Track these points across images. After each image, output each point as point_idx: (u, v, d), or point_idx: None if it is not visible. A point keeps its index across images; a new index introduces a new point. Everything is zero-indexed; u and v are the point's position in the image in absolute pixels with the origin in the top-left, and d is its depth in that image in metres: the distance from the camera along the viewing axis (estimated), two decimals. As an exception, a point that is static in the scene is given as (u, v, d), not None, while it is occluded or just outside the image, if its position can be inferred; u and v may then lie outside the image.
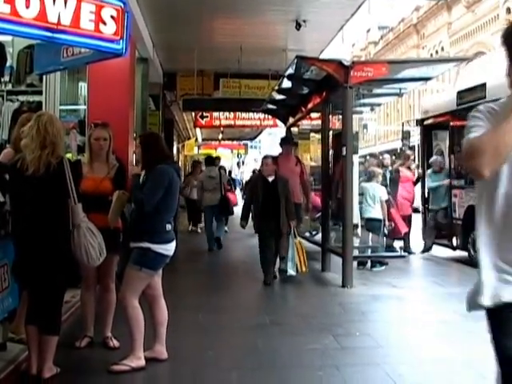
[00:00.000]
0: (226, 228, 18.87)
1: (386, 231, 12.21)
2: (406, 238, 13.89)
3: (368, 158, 17.42)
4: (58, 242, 5.42)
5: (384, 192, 12.05)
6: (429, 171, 14.56)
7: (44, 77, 9.88)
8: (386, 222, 12.10)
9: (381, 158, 14.69)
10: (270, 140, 67.82)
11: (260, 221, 10.70)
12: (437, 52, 59.51)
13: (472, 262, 12.35)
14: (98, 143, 6.52)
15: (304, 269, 10.51)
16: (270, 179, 10.62)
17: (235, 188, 20.76)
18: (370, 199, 11.99)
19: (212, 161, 17.18)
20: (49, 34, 6.10)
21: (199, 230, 18.71)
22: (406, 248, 13.78)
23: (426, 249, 14.24)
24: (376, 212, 11.94)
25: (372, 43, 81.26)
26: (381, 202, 11.93)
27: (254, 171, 21.46)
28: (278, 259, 10.83)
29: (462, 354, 6.40)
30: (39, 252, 5.34)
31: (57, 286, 5.52)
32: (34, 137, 5.37)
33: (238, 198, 20.60)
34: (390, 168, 14.04)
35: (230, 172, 24.91)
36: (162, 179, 5.90)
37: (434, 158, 14.66)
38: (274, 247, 10.58)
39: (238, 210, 20.54)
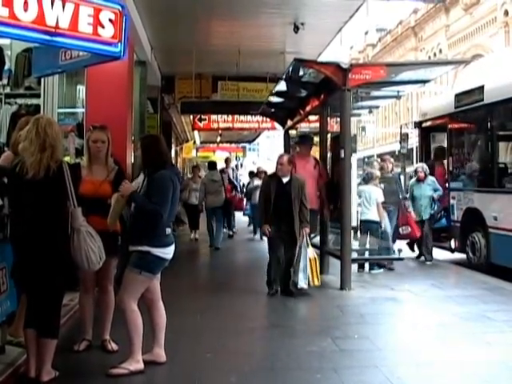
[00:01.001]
0: (234, 229, 19.74)
1: (386, 233, 12.05)
2: (419, 241, 13.74)
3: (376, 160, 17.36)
4: (56, 246, 5.42)
5: (380, 194, 12.04)
6: (412, 181, 13.99)
7: (42, 80, 9.88)
8: (383, 225, 12.09)
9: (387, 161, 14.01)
10: (269, 143, 67.82)
11: (270, 225, 9.72)
12: (435, 54, 59.49)
13: (470, 265, 12.39)
14: (95, 146, 6.51)
15: (316, 282, 9.71)
16: (285, 180, 9.71)
17: (240, 192, 19.87)
18: (366, 201, 11.99)
19: (214, 165, 17.74)
20: (47, 37, 6.10)
21: (197, 236, 18.13)
22: (425, 252, 13.42)
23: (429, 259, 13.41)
24: (372, 214, 11.94)
25: (370, 45, 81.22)
26: (377, 204, 11.93)
27: (251, 173, 21.34)
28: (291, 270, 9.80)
29: (460, 356, 6.40)
30: (38, 255, 5.34)
31: (55, 290, 5.53)
32: (33, 140, 5.37)
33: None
34: (390, 173, 13.68)
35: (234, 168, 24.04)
36: (167, 185, 5.88)
37: (418, 164, 14.27)
38: (284, 256, 9.75)
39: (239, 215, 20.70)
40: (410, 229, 12.68)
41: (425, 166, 13.72)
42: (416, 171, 13.69)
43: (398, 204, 12.76)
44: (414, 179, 13.81)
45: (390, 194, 12.28)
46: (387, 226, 12.14)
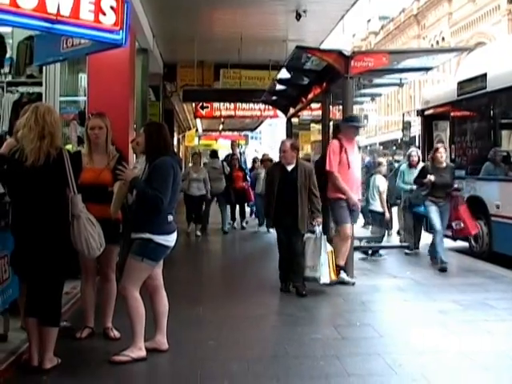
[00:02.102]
0: (246, 221, 18.63)
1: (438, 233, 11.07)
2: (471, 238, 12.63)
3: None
4: (57, 233, 5.42)
5: (383, 183, 12.01)
6: (403, 166, 13.39)
7: (44, 68, 9.88)
8: (387, 215, 12.06)
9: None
10: (271, 131, 67.83)
11: (274, 216, 9.14)
12: (437, 42, 59.35)
13: (473, 253, 12.38)
14: (93, 132, 6.48)
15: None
16: (290, 168, 9.06)
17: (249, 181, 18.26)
18: (371, 191, 11.99)
19: (216, 154, 18.24)
20: (48, 24, 6.09)
21: (198, 232, 16.10)
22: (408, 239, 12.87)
23: (411, 248, 12.65)
24: (377, 205, 11.94)
25: (372, 33, 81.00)
26: (379, 193, 11.90)
27: (254, 160, 20.85)
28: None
29: (462, 344, 6.40)
30: (38, 243, 5.35)
31: (56, 277, 5.54)
32: (32, 127, 5.36)
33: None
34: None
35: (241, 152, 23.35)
36: (168, 171, 5.86)
37: (412, 149, 13.95)
38: (289, 249, 9.03)
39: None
40: (462, 224, 11.47)
41: (419, 152, 13.49)
42: (410, 156, 13.16)
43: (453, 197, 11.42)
44: (405, 164, 13.36)
45: (443, 187, 11.13)
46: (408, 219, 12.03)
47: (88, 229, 5.58)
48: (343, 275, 9.44)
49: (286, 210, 8.94)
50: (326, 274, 8.83)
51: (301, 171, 8.99)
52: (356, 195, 9.73)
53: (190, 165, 18.22)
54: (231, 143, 21.22)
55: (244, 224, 18.18)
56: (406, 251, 12.51)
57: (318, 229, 8.96)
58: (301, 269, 8.89)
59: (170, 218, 5.98)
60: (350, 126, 9.76)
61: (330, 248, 9.06)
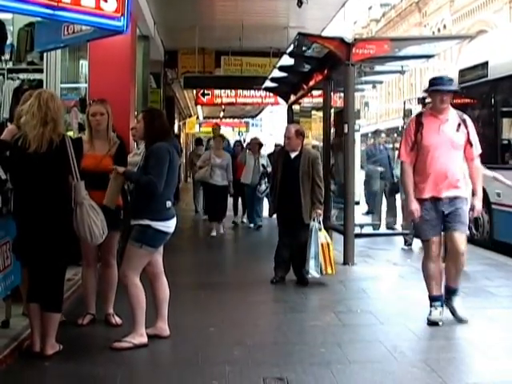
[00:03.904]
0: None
1: None
2: None
3: None
4: (59, 220, 5.44)
5: None
6: None
7: (45, 55, 9.85)
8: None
9: None
10: (272, 118, 67.67)
11: (277, 206, 8.97)
12: (439, 30, 59.13)
13: (473, 241, 12.38)
14: (94, 119, 6.48)
15: (329, 270, 8.59)
16: (293, 155, 8.75)
17: None
18: None
19: (200, 141, 19.22)
20: (49, 11, 6.07)
21: (222, 230, 14.11)
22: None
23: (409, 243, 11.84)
24: None
25: (374, 21, 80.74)
26: None
27: (235, 144, 19.01)
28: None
29: (462, 331, 6.43)
30: (41, 229, 5.36)
31: (58, 263, 5.55)
32: (35, 113, 5.36)
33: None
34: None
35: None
36: (164, 157, 5.87)
37: None
38: (294, 241, 8.79)
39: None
40: None
41: None
42: None
43: None
44: None
45: None
46: None
47: (91, 216, 5.58)
48: (455, 304, 6.87)
49: (288, 198, 8.69)
50: (313, 267, 8.47)
51: (304, 159, 8.69)
52: (442, 191, 6.69)
53: (212, 148, 15.03)
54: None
55: (243, 219, 16.33)
56: (403, 246, 11.90)
57: (314, 222, 8.58)
58: (303, 259, 8.57)
59: (169, 203, 5.99)
60: (432, 91, 6.81)
61: (325, 240, 8.62)
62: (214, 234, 13.71)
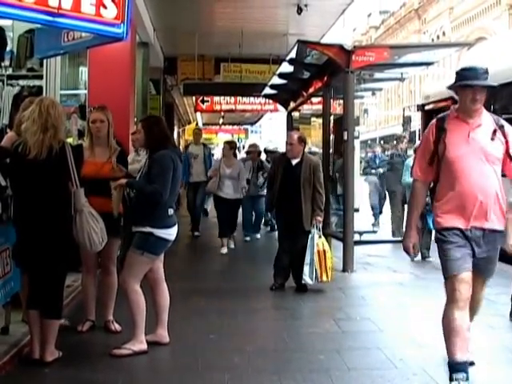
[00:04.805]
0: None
1: None
2: None
3: None
4: (59, 226, 5.43)
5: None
6: (409, 160, 11.94)
7: (44, 61, 9.85)
8: None
9: None
10: (271, 125, 67.72)
11: (277, 211, 9.06)
12: (438, 37, 59.37)
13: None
14: (95, 126, 6.50)
15: (325, 278, 8.51)
16: (294, 162, 8.75)
17: None
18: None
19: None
20: (49, 18, 6.07)
21: (232, 245, 12.89)
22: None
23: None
24: None
25: (373, 28, 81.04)
26: None
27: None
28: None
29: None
30: (41, 236, 5.36)
31: (58, 270, 5.55)
32: (35, 119, 5.37)
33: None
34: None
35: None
36: (168, 166, 5.88)
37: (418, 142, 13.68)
38: (294, 248, 8.74)
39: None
40: None
41: None
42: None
43: None
44: (411, 159, 12.11)
45: None
46: None
47: (90, 223, 5.58)
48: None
49: (288, 205, 8.68)
50: (307, 274, 8.46)
51: (305, 166, 8.69)
52: (472, 220, 5.11)
53: (220, 157, 14.02)
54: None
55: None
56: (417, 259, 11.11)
57: (314, 229, 8.57)
58: (302, 266, 8.54)
59: (171, 211, 6.00)
60: (460, 87, 5.06)
61: (321, 247, 8.52)
62: (224, 251, 12.20)
